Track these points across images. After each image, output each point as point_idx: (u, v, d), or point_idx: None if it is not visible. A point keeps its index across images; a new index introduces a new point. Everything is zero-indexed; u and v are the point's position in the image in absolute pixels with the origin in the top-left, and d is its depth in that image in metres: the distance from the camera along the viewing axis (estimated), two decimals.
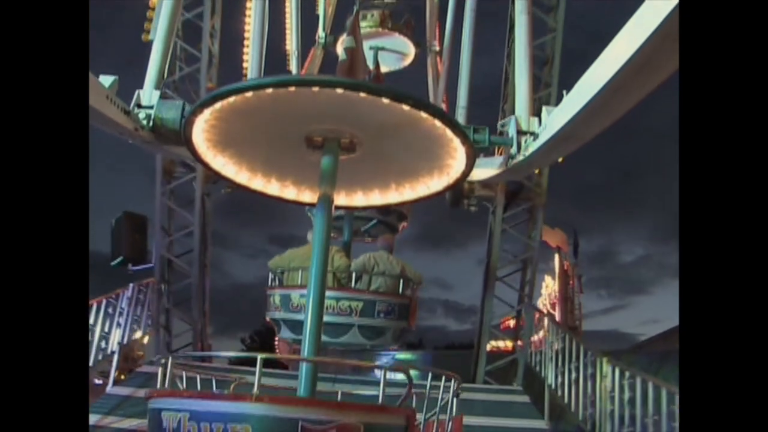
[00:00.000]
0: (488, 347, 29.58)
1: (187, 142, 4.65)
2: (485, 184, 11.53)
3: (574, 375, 8.67)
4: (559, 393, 9.31)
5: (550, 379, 9.88)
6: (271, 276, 8.32)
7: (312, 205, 5.64)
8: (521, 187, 12.56)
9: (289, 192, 5.76)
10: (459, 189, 11.51)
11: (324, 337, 5.19)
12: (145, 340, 11.96)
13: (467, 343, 67.72)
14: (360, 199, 6.01)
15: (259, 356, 3.90)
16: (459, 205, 12.11)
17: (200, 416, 4.35)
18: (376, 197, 5.96)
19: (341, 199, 5.70)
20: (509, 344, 28.15)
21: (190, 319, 12.66)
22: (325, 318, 5.16)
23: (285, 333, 8.16)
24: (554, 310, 25.12)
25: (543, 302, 27.71)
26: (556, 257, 23.78)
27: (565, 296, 22.71)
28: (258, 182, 5.53)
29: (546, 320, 11.30)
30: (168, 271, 12.81)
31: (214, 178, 11.34)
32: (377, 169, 5.36)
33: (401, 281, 7.87)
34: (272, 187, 5.66)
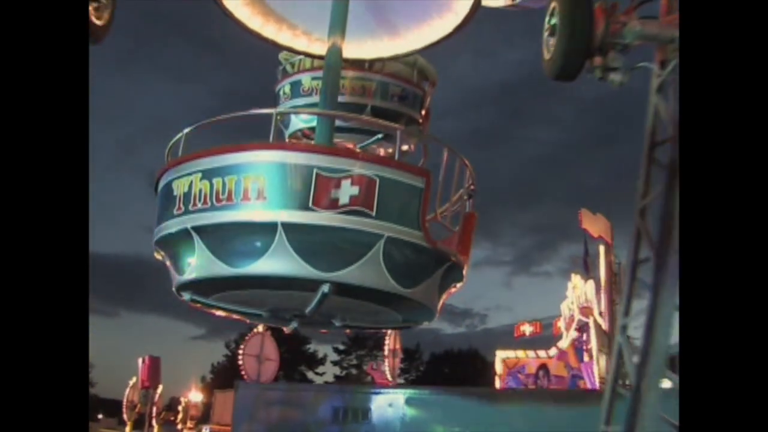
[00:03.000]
0: (501, 358, 25.07)
1: None
2: (648, 18, 5.78)
3: None
4: None
5: None
6: (280, 68, 8.51)
7: (321, 57, 6.08)
8: None
9: (300, 42, 6.58)
10: (581, 32, 5.48)
11: (337, 122, 5.66)
12: None
13: (465, 350, 62.60)
14: (369, 49, 6.60)
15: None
16: (576, 74, 5.77)
17: (212, 173, 4.62)
18: (385, 47, 6.54)
19: (351, 50, 5.93)
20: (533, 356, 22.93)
21: None
22: (338, 98, 5.78)
23: (294, 126, 8.17)
24: (587, 317, 20.48)
25: (569, 307, 23.19)
26: (601, 251, 19.21)
27: (612, 302, 18.20)
28: (270, 29, 6.31)
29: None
30: None
31: None
32: (385, 13, 5.87)
33: (415, 71, 8.09)
34: (283, 35, 6.43)
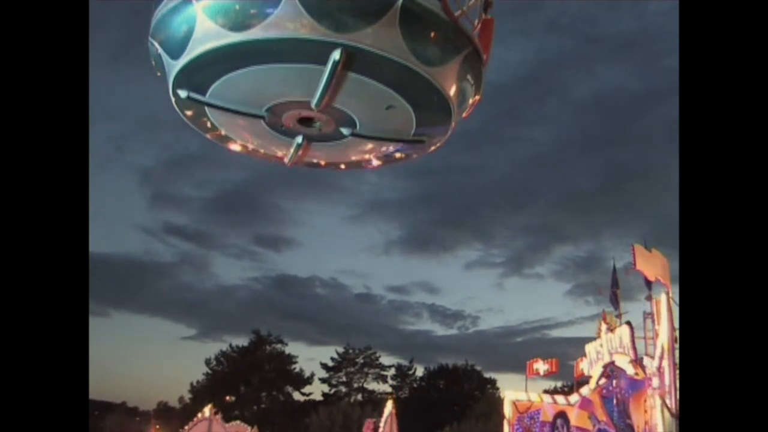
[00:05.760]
0: (510, 400, 21.33)
1: None
2: None
3: None
4: None
5: None
6: None
7: None
8: None
9: None
10: None
11: None
12: None
13: (461, 364, 59.24)
14: None
15: None
16: None
17: None
18: None
19: None
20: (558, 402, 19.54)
21: None
22: None
23: None
24: (635, 370, 16.74)
25: (597, 349, 19.51)
26: (663, 298, 15.44)
27: (676, 367, 14.50)
28: None
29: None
30: None
31: None
32: None
33: None
34: None
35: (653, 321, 17.16)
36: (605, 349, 18.71)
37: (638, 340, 17.42)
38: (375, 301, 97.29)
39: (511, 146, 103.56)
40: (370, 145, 6.69)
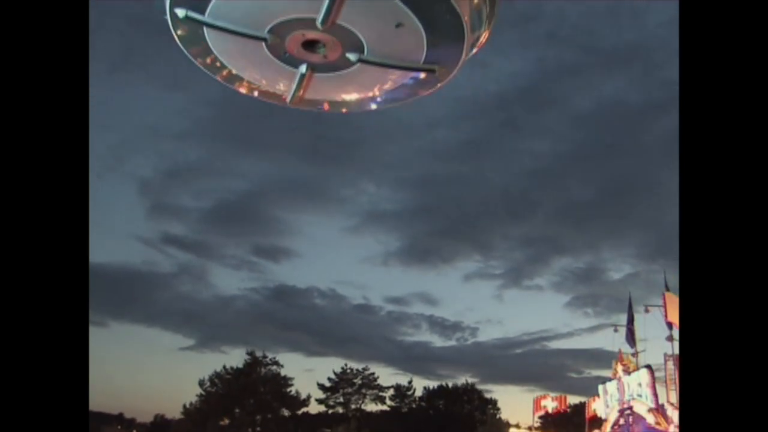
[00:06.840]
0: None
1: None
2: None
3: None
4: None
5: None
6: None
7: None
8: None
9: None
10: None
11: None
12: None
13: (461, 384, 57.59)
14: None
15: None
16: None
17: None
18: None
19: None
20: None
21: None
22: None
23: None
24: (659, 418, 15.25)
25: (612, 392, 18.00)
26: None
27: None
28: None
29: None
30: None
31: None
32: None
33: None
34: None
35: (675, 365, 15.72)
36: (626, 392, 17.24)
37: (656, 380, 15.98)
38: (373, 312, 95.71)
39: (510, 158, 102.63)
40: (376, 78, 6.16)
